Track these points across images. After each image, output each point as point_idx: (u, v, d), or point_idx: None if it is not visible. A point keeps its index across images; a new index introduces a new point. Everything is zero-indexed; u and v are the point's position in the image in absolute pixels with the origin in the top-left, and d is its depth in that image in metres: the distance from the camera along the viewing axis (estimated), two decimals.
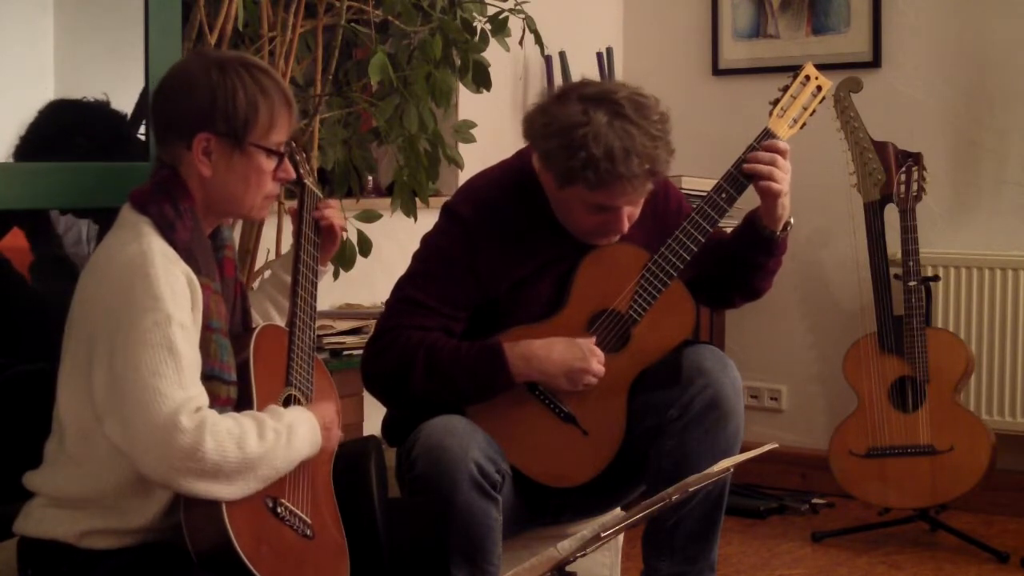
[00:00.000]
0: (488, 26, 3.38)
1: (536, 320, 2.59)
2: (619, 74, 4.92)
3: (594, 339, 2.57)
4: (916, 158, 4.10)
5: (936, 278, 4.31)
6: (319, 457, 2.15)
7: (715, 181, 2.64)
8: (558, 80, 4.53)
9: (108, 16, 2.73)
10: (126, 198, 2.12)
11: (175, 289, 2.00)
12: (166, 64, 2.27)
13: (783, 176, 2.60)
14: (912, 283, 3.99)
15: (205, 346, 2.04)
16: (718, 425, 2.58)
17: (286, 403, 2.15)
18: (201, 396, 1.98)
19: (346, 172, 3.27)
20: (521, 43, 3.73)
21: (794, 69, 2.76)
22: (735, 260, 2.70)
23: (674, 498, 2.15)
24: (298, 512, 2.09)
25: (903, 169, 4.06)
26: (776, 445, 2.30)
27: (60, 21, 2.65)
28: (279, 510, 2.06)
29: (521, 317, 2.59)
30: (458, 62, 3.28)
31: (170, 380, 1.93)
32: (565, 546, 1.99)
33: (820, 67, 2.79)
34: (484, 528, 2.43)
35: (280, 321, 2.36)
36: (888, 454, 4.03)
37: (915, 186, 4.05)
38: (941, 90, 4.52)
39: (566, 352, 2.53)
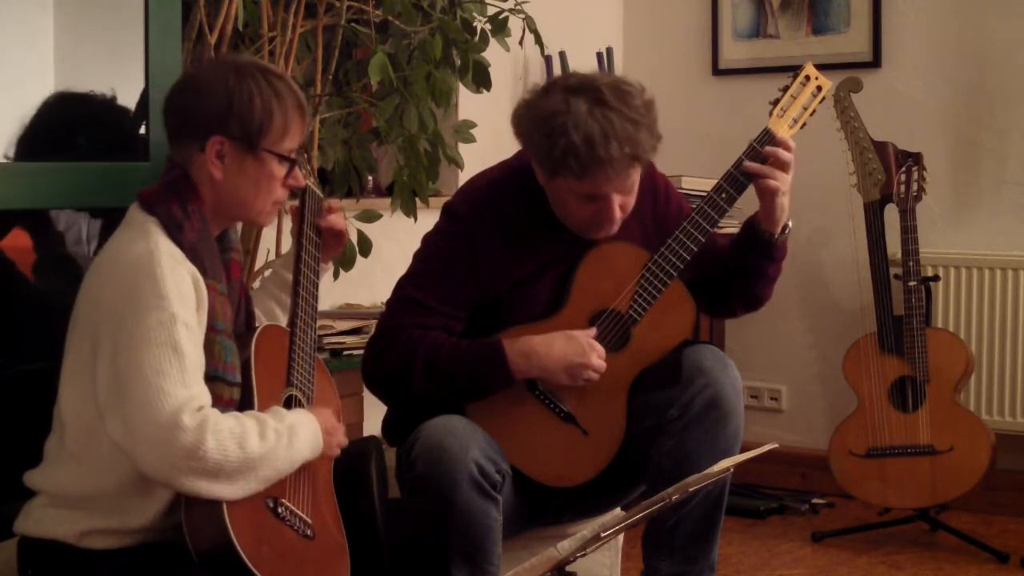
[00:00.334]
0: (488, 26, 3.38)
1: (536, 320, 2.59)
2: (619, 74, 4.92)
3: (594, 332, 2.57)
4: (916, 158, 4.10)
5: (936, 278, 4.31)
6: (320, 458, 2.15)
7: (715, 181, 2.64)
8: None
9: (108, 16, 2.73)
10: (127, 197, 2.12)
11: (181, 289, 2.00)
12: (166, 64, 2.27)
13: (783, 175, 2.60)
14: (912, 283, 3.99)
15: (209, 347, 2.04)
16: (718, 425, 2.57)
17: (287, 403, 2.15)
18: (204, 395, 1.98)
19: (346, 172, 3.27)
20: (521, 43, 3.73)
21: (794, 69, 2.76)
22: (736, 266, 2.69)
23: (674, 498, 2.15)
24: (299, 512, 2.09)
25: (903, 169, 4.06)
26: (776, 445, 2.30)
27: (60, 21, 2.65)
28: (280, 510, 2.06)
29: (521, 317, 2.59)
30: (458, 62, 3.28)
31: (173, 379, 1.93)
32: (565, 546, 1.99)
33: (820, 67, 2.79)
34: (484, 528, 2.43)
35: (284, 319, 2.36)
36: (888, 454, 4.03)
37: (915, 186, 4.05)
38: (941, 90, 4.52)
39: (566, 347, 2.53)
